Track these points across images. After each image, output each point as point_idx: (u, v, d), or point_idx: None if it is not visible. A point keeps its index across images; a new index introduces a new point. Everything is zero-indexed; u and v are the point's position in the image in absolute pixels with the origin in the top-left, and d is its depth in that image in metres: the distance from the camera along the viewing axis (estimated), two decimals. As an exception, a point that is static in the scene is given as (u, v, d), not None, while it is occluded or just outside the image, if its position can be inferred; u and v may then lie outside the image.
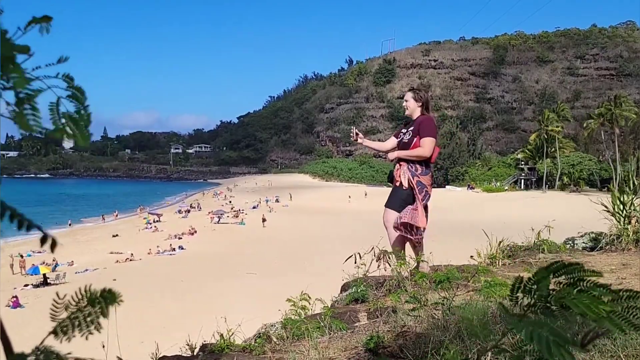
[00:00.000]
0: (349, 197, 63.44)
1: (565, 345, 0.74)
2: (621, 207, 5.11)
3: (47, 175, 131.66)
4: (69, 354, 0.72)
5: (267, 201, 58.95)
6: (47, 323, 0.81)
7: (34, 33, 0.77)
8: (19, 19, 0.76)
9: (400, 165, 4.73)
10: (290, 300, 3.39)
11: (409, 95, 4.90)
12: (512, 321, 0.81)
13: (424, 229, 4.58)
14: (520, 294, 0.87)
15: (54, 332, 0.74)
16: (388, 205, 4.70)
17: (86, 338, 0.76)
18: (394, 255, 4.20)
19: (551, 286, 0.83)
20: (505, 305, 0.91)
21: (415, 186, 4.59)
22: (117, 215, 52.40)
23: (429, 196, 4.65)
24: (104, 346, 2.51)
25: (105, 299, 0.78)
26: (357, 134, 5.02)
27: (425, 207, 4.62)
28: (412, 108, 4.84)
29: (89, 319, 0.77)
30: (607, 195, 5.82)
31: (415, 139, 4.66)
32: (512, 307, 0.88)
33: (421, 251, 4.65)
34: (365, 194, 67.01)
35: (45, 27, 0.75)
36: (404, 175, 4.65)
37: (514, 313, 0.85)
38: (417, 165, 4.63)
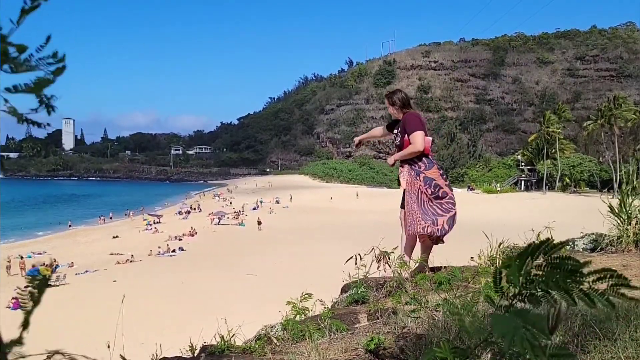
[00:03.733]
0: (331, 197, 63.77)
1: (532, 338, 0.74)
2: (622, 208, 5.11)
3: (48, 177, 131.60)
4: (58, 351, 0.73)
5: (261, 202, 58.87)
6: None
7: (37, 31, 0.77)
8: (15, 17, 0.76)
9: (401, 167, 4.81)
10: (290, 303, 3.39)
11: (387, 103, 4.97)
12: (493, 316, 0.80)
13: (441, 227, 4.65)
14: (505, 284, 0.86)
15: (24, 325, 0.74)
16: (402, 206, 4.80)
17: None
18: (393, 256, 4.20)
19: (534, 272, 0.83)
20: (494, 299, 0.90)
21: (422, 184, 4.63)
22: (111, 217, 52.58)
23: (440, 187, 4.66)
24: (109, 346, 2.54)
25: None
26: (357, 143, 5.47)
27: (438, 197, 4.65)
28: (395, 112, 4.89)
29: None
30: (609, 196, 5.83)
31: (405, 138, 4.73)
32: (499, 299, 0.87)
33: (427, 253, 4.71)
34: (357, 195, 67.13)
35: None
36: (402, 177, 4.75)
37: (501, 305, 0.84)
38: (419, 162, 4.66)
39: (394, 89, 5.48)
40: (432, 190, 4.62)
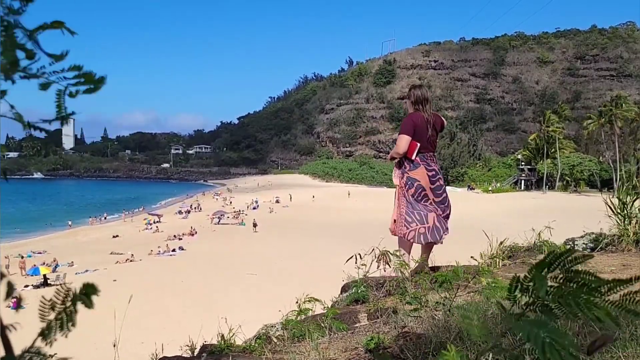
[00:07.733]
0: (313, 196, 63.87)
1: (562, 348, 0.72)
2: (622, 207, 5.11)
3: (48, 176, 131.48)
4: (55, 354, 0.73)
5: (256, 201, 58.72)
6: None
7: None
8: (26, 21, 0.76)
9: (395, 166, 4.86)
10: (297, 303, 3.39)
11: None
12: (511, 321, 0.80)
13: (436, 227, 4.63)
14: (518, 293, 0.86)
15: (42, 334, 0.74)
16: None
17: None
18: (394, 256, 4.20)
19: (549, 283, 0.82)
20: (505, 305, 0.90)
21: (404, 185, 4.65)
22: (105, 217, 52.75)
23: (422, 188, 4.61)
24: (114, 345, 2.55)
25: (88, 293, 0.79)
26: None
27: (420, 199, 4.64)
28: (407, 107, 4.89)
29: (70, 316, 0.78)
30: (608, 195, 5.82)
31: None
32: (511, 306, 0.87)
33: (427, 253, 4.70)
34: (349, 194, 67.11)
35: (68, 31, 0.76)
36: (394, 175, 4.80)
37: (512, 313, 0.84)
38: (405, 163, 4.69)
39: (418, 83, 5.43)
40: (414, 191, 4.61)
